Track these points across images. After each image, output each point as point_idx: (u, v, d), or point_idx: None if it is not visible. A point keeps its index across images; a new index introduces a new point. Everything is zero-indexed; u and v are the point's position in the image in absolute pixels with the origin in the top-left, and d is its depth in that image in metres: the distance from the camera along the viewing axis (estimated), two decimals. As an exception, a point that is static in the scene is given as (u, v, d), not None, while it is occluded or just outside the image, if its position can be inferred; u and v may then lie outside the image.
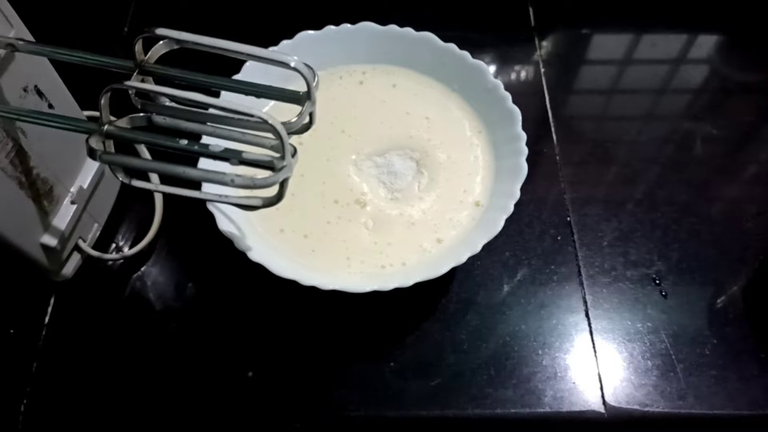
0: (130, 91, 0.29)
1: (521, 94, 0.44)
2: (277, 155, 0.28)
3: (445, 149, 0.43)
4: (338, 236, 0.39)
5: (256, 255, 0.35)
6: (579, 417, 0.39)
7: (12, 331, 0.41)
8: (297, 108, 0.30)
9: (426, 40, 0.44)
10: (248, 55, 0.28)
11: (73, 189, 0.39)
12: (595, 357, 0.40)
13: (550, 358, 0.40)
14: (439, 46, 0.44)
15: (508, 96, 0.41)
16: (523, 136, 0.40)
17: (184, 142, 0.29)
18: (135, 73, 0.29)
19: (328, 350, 0.40)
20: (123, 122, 0.29)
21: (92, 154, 0.28)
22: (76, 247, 0.41)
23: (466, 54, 0.43)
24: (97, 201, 0.42)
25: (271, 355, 0.40)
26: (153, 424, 0.38)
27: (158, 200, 0.44)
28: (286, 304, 0.41)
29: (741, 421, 0.39)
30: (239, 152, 0.29)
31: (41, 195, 0.36)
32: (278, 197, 0.30)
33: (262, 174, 0.28)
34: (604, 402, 0.39)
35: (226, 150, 0.28)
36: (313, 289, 0.35)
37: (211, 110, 0.29)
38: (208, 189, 0.34)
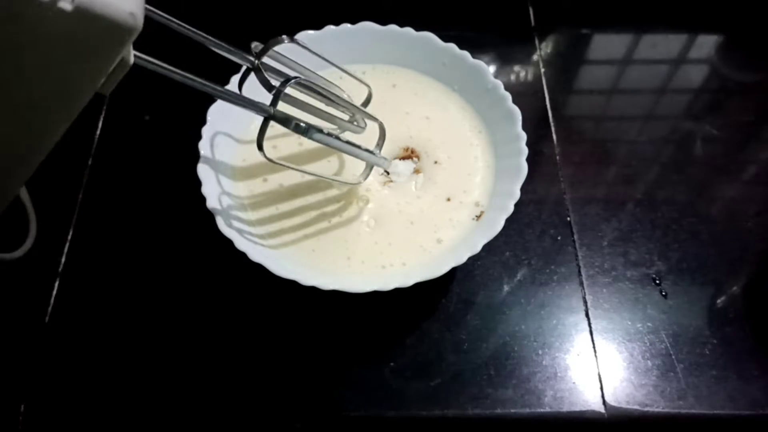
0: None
1: (521, 94, 0.44)
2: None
3: (445, 149, 0.43)
4: (338, 236, 0.39)
5: (256, 255, 0.35)
6: (579, 417, 0.39)
7: (12, 330, 0.41)
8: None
9: (426, 40, 0.44)
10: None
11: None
12: (595, 357, 0.40)
13: (550, 358, 0.40)
14: (439, 46, 0.44)
15: (508, 96, 0.41)
16: (523, 136, 0.40)
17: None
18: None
19: (328, 350, 0.40)
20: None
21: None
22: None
23: (466, 54, 0.43)
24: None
25: (271, 355, 0.40)
26: (153, 424, 0.38)
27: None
28: (286, 304, 0.41)
29: (741, 421, 0.39)
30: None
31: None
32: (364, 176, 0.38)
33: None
34: (604, 402, 0.39)
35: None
36: (313, 289, 0.35)
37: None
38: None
